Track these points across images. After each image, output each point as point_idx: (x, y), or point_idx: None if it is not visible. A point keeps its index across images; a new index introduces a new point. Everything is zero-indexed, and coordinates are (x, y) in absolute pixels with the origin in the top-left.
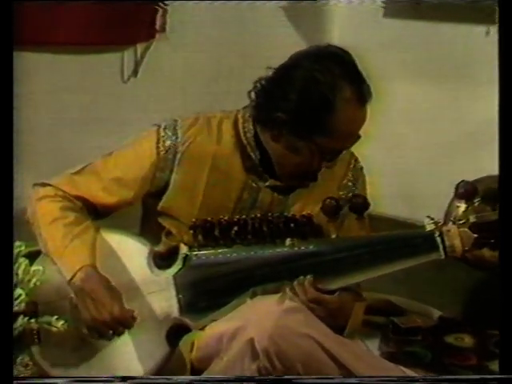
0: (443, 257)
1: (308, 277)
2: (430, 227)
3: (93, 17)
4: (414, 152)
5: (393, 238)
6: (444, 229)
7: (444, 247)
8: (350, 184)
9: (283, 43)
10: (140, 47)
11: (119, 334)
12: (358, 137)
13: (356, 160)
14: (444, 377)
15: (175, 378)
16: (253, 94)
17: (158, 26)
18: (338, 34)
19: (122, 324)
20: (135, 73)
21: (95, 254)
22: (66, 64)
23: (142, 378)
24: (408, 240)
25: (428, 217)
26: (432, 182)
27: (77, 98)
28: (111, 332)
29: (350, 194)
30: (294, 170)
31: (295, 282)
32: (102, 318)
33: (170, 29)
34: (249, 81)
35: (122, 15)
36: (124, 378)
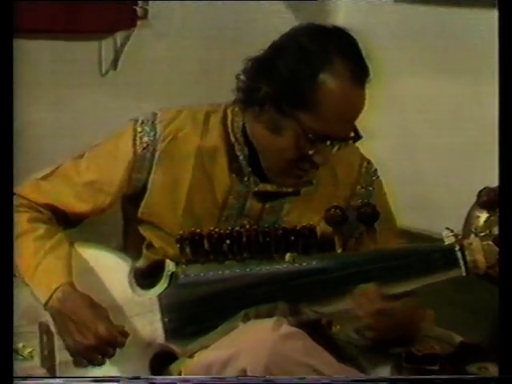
0: (464, 274)
1: (372, 284)
2: (449, 240)
3: (65, 2)
4: (430, 154)
5: (407, 252)
6: (465, 242)
7: (465, 263)
8: (363, 191)
9: (281, 31)
10: (119, 36)
11: (110, 356)
12: (357, 136)
13: (368, 162)
14: (443, 377)
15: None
16: (242, 76)
17: (139, 12)
18: (343, 22)
19: (111, 344)
20: (114, 65)
21: (71, 270)
22: (36, 54)
23: (146, 378)
24: (424, 255)
25: (447, 229)
26: (451, 189)
27: (50, 93)
28: (100, 356)
29: (365, 200)
30: (279, 160)
31: (357, 291)
32: (87, 342)
33: (152, 15)
34: None
35: (98, 1)
36: (128, 379)
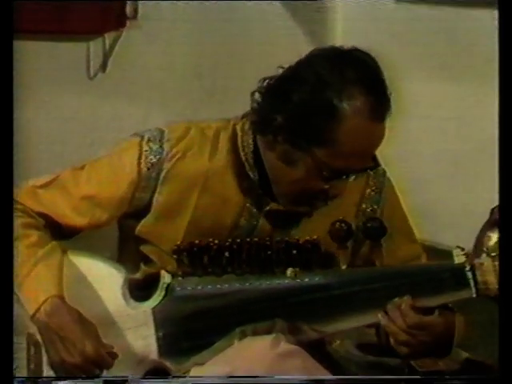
0: (474, 295)
1: (405, 298)
2: (459, 259)
3: (51, 2)
4: (434, 162)
5: (415, 270)
6: (476, 262)
7: (475, 283)
8: (373, 194)
9: (277, 34)
10: (108, 38)
11: (94, 376)
12: (376, 164)
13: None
14: (443, 378)
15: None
16: (257, 95)
17: (128, 12)
18: (342, 23)
19: (97, 365)
20: (103, 67)
21: (62, 281)
22: (22, 56)
23: (149, 377)
24: (433, 274)
25: (458, 247)
26: (456, 198)
27: (36, 97)
28: (84, 376)
29: (376, 206)
30: (291, 190)
31: (389, 306)
32: (72, 360)
33: (142, 15)
34: (236, 77)
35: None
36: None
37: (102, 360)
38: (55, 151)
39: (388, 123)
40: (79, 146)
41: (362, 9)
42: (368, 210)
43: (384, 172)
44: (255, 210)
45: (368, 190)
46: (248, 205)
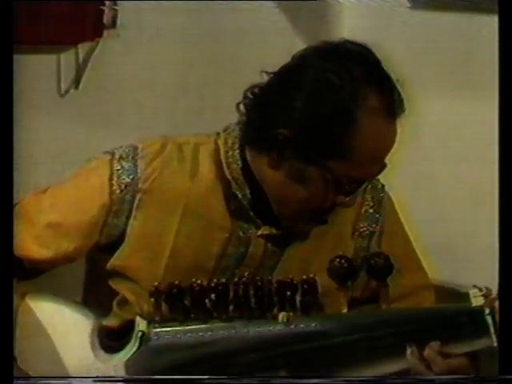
0: (495, 344)
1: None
2: (477, 302)
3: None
4: (455, 191)
5: (427, 314)
6: (497, 304)
7: (496, 330)
8: (370, 211)
9: (274, 44)
10: (82, 49)
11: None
12: (384, 164)
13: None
14: (443, 377)
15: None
16: (242, 107)
17: (105, 20)
18: (348, 31)
19: None
20: (76, 84)
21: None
22: None
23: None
24: (448, 319)
25: (475, 287)
26: (480, 232)
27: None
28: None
29: (375, 225)
30: (298, 210)
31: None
32: None
33: (121, 24)
34: (229, 93)
35: (58, 7)
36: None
37: None
38: (20, 176)
39: (401, 145)
40: (48, 172)
41: (371, 17)
42: (365, 231)
43: (382, 187)
44: (245, 235)
45: (364, 208)
46: (238, 230)
